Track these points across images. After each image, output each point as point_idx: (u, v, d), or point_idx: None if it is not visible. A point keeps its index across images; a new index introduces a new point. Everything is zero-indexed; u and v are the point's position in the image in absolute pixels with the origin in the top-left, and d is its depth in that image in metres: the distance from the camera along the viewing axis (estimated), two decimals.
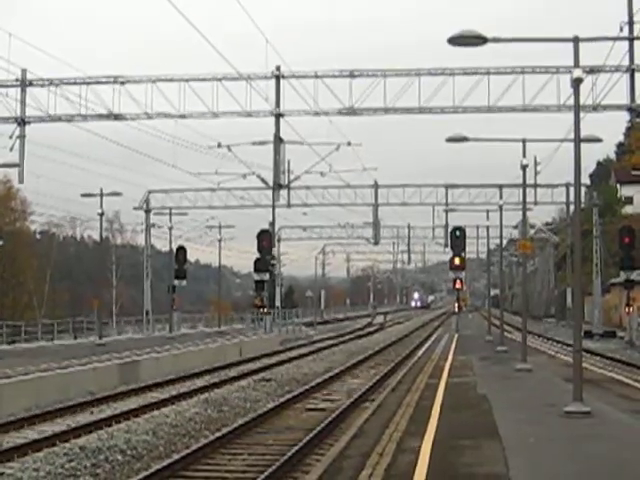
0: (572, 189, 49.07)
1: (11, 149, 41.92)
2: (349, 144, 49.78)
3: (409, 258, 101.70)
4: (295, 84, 42.46)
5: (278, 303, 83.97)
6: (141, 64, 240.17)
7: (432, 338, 58.23)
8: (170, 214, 67.11)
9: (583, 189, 57.76)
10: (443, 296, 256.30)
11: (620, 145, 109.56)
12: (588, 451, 13.79)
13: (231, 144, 49.43)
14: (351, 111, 42.46)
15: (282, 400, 25.68)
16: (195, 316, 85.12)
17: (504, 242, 57.76)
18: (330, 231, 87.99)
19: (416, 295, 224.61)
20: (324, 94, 42.45)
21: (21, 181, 43.79)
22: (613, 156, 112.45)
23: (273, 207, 61.67)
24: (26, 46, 39.62)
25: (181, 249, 67.34)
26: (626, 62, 38.75)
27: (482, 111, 41.89)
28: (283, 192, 55.68)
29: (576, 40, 18.00)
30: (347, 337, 66.11)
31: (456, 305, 64.91)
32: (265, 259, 58.81)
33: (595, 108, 39.93)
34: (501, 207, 42.81)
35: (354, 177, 61.89)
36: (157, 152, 51.15)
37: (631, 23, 38.63)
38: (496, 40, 17.85)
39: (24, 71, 42.38)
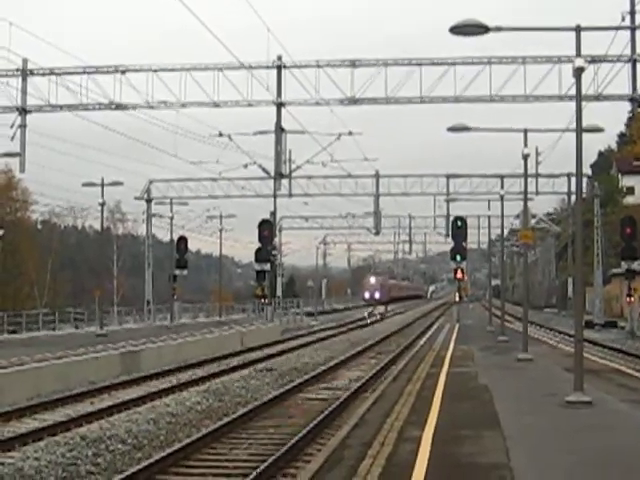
0: (573, 179, 49.00)
1: (12, 138, 41.99)
2: (350, 134, 49.81)
3: (410, 248, 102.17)
4: (296, 74, 42.51)
5: (279, 293, 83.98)
6: (142, 53, 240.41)
7: (433, 328, 58.17)
8: (171, 204, 67.12)
9: (584, 179, 57.74)
10: (444, 286, 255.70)
11: (622, 135, 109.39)
12: (588, 441, 13.79)
13: (232, 134, 49.47)
14: (352, 101, 42.47)
15: (283, 390, 25.68)
16: (196, 306, 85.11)
17: (505, 232, 57.69)
18: (331, 221, 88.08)
19: (372, 280, 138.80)
20: (325, 84, 42.51)
21: (22, 171, 43.90)
22: (614, 146, 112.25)
23: (274, 197, 61.71)
24: (27, 35, 39.63)
25: (182, 239, 67.39)
26: (628, 52, 38.75)
27: (484, 101, 41.90)
28: (284, 182, 55.67)
29: (578, 29, 17.97)
30: (348, 327, 66.09)
31: (457, 295, 64.87)
32: (266, 249, 58.83)
33: (597, 98, 39.93)
34: (502, 197, 42.75)
35: (355, 167, 62.08)
36: (158, 141, 51.26)
37: (633, 13, 38.67)
38: (498, 29, 17.81)
39: (25, 60, 42.41)
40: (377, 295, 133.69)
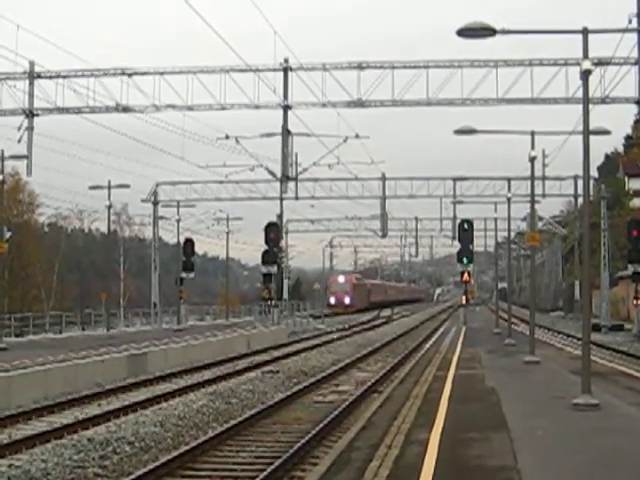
0: (580, 181, 48.93)
1: (19, 141, 42.03)
2: (357, 136, 49.69)
3: (417, 251, 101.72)
4: (303, 76, 42.53)
5: (286, 295, 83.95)
6: (149, 56, 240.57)
7: (440, 331, 58.18)
8: (178, 206, 67.09)
9: (591, 182, 57.65)
10: (450, 289, 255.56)
11: (628, 138, 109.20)
12: (596, 443, 13.77)
13: (239, 136, 49.43)
14: (359, 103, 42.47)
15: (290, 392, 25.69)
16: (203, 308, 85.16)
17: (512, 235, 57.64)
18: (338, 223, 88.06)
19: (341, 279, 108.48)
20: (332, 86, 42.53)
21: (29, 173, 43.92)
22: (621, 149, 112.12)
23: (281, 199, 61.65)
24: (34, 38, 39.73)
25: (189, 241, 67.36)
26: (635, 54, 38.66)
27: (490, 103, 41.89)
28: (291, 184, 55.69)
29: (585, 32, 17.92)
30: (354, 329, 66.08)
31: (463, 298, 64.84)
32: (273, 251, 58.80)
33: (604, 100, 39.87)
34: (509, 199, 42.70)
35: (362, 169, 61.92)
36: (165, 144, 51.21)
37: None
38: (505, 32, 17.77)
39: (32, 63, 42.46)
40: (347, 300, 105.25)
